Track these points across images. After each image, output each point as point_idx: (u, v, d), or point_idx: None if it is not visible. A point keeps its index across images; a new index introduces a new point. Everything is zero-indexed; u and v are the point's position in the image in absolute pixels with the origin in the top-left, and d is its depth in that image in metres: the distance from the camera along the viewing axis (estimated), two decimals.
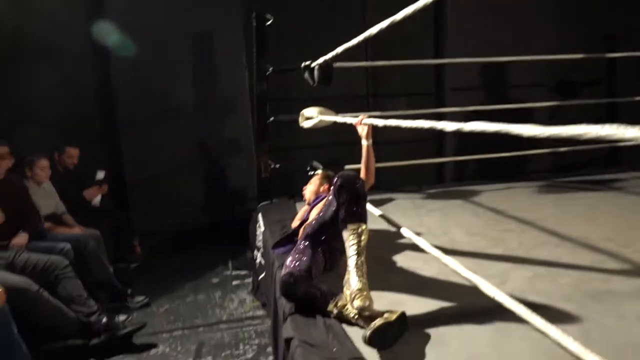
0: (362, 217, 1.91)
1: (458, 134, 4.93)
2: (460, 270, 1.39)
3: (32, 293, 2.46)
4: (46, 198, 3.38)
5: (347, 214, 1.90)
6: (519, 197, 3.73)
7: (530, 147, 4.39)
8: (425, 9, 1.52)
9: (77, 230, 3.37)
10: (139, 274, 3.89)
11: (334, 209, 1.98)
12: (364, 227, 1.89)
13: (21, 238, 2.85)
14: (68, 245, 2.94)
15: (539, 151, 4.51)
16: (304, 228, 2.18)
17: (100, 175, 3.86)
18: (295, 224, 2.84)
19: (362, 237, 1.85)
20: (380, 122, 2.04)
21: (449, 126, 1.36)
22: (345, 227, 1.89)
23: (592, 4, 5.00)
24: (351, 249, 1.82)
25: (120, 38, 4.26)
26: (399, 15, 1.72)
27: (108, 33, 4.26)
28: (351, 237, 1.85)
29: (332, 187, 2.01)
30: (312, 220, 2.15)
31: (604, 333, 1.59)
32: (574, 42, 4.84)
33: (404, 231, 1.87)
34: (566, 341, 0.95)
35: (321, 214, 2.09)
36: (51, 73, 4.04)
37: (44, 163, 3.34)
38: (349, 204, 1.90)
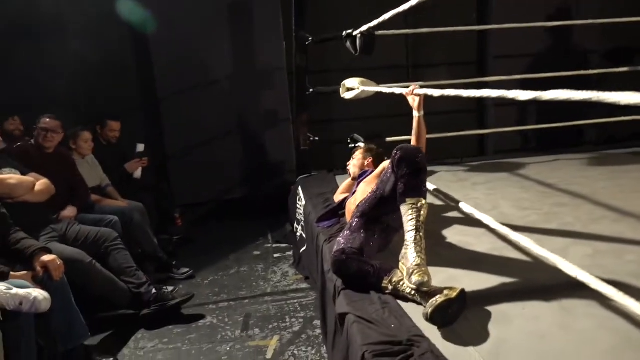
0: (422, 191, 1.85)
1: (501, 104, 4.77)
2: (534, 248, 1.33)
3: (86, 264, 2.53)
4: (90, 171, 3.44)
5: (406, 188, 1.83)
6: (566, 170, 3.58)
7: (574, 118, 4.20)
8: None
9: (122, 203, 3.43)
10: (181, 245, 3.96)
11: (393, 183, 1.92)
12: (423, 202, 1.82)
13: (70, 210, 2.92)
14: (115, 218, 3.00)
15: (584, 122, 4.31)
16: (358, 205, 2.13)
17: (140, 148, 3.88)
18: (338, 198, 2.81)
19: (422, 212, 1.79)
20: (436, 93, 1.95)
21: (522, 95, 1.26)
22: (404, 201, 1.82)
23: None
24: (409, 224, 1.77)
25: (140, 14, 4.22)
26: None
27: (128, 9, 4.23)
28: (410, 211, 1.79)
29: (391, 160, 1.94)
30: (368, 196, 2.09)
31: None
32: (631, 5, 4.54)
33: (463, 206, 1.81)
34: None
35: (378, 190, 2.03)
36: (92, 47, 4.07)
37: (87, 136, 3.39)
38: (409, 178, 1.83)
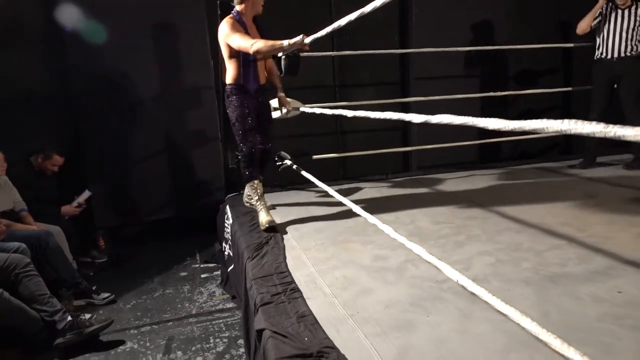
0: (250, 177, 3.09)
1: (423, 123, 5.02)
2: (426, 257, 1.44)
3: None
4: (1, 193, 3.24)
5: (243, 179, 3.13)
6: (481, 184, 3.84)
7: (491, 136, 4.54)
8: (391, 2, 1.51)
9: (35, 228, 3.25)
10: (105, 269, 3.80)
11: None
12: (256, 183, 3.07)
13: None
14: (23, 245, 2.81)
15: (499, 139, 4.67)
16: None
17: (86, 195, 3.87)
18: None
19: (257, 189, 3.07)
20: (350, 113, 2.05)
21: (416, 118, 1.39)
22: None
23: None
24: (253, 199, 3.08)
25: (90, 23, 4.12)
26: (367, 8, 1.68)
27: (75, 18, 4.11)
28: (250, 190, 3.10)
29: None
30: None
31: (562, 314, 1.67)
32: (533, 32, 5.00)
33: (371, 219, 1.90)
34: (524, 322, 1.00)
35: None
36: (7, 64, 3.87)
37: None
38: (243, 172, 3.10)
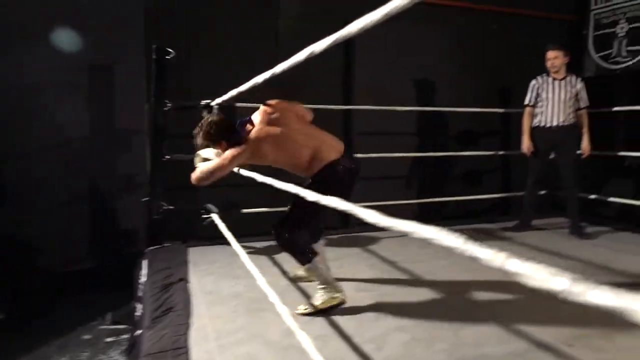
0: (302, 261, 2.52)
1: (366, 178, 4.97)
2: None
3: None
4: None
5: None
6: (412, 247, 3.69)
7: (433, 193, 4.52)
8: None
9: None
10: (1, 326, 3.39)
11: None
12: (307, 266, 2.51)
13: None
14: None
15: (440, 199, 4.66)
16: None
17: None
18: None
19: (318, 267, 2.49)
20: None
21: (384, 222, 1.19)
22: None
23: (489, 60, 5.34)
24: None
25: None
26: (303, 54, 1.38)
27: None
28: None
29: None
30: None
31: None
32: (468, 95, 5.14)
33: (273, 297, 1.72)
34: None
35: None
36: None
37: None
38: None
